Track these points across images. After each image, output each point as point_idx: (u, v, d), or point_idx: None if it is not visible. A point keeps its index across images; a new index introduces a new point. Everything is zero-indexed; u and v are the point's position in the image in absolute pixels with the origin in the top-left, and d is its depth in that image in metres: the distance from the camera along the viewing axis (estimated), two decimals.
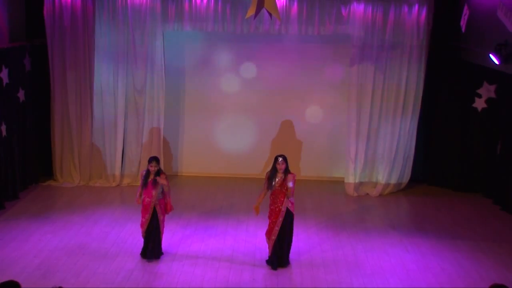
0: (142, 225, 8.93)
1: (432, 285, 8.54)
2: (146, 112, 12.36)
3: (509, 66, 10.02)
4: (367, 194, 12.55)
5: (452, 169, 12.89)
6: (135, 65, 12.15)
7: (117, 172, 12.51)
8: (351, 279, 8.62)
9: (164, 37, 12.17)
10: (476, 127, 12.55)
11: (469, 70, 12.20)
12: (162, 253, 9.05)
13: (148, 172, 8.82)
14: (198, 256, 9.20)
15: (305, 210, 11.30)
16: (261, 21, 11.65)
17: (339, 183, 12.81)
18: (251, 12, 8.68)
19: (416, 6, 11.76)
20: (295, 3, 11.75)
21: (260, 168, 12.86)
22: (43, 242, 9.44)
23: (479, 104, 12.41)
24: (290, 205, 8.70)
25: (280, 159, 8.67)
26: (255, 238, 9.85)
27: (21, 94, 11.46)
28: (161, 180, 8.73)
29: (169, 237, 9.60)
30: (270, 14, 8.98)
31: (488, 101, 12.33)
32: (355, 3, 11.78)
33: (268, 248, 8.87)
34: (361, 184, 12.60)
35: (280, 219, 8.70)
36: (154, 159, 8.86)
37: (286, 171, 8.66)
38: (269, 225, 8.83)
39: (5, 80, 10.82)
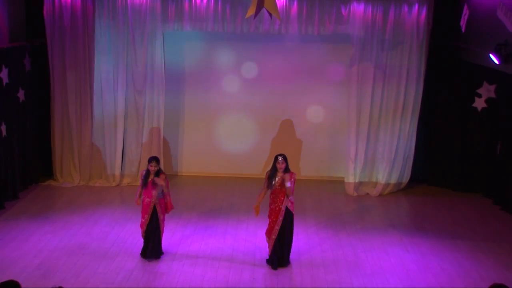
0: (141, 226, 8.94)
1: (432, 285, 8.54)
2: (146, 112, 12.37)
3: (509, 66, 10.03)
4: (367, 194, 12.55)
5: (452, 169, 12.88)
6: (135, 65, 12.16)
7: (117, 172, 12.52)
8: (351, 279, 8.62)
9: (164, 37, 12.17)
10: (476, 127, 12.54)
11: (469, 70, 12.20)
12: (162, 253, 9.05)
13: (148, 172, 8.81)
14: (198, 256, 9.20)
15: (305, 210, 11.30)
16: (261, 21, 11.66)
17: (339, 183, 12.81)
18: (251, 12, 8.67)
19: (416, 6, 11.76)
20: (295, 3, 11.75)
21: (260, 168, 12.86)
22: (43, 242, 9.44)
23: (479, 104, 12.41)
24: (290, 204, 8.70)
25: (280, 158, 8.67)
26: (255, 238, 9.85)
27: (21, 94, 11.46)
28: (159, 180, 8.72)
29: (169, 237, 9.60)
30: (270, 14, 8.97)
31: (488, 101, 12.32)
32: (355, 3, 11.77)
33: (268, 247, 8.87)
34: (361, 184, 12.60)
35: (280, 218, 8.70)
36: (154, 159, 8.85)
37: (286, 170, 8.67)
38: (269, 224, 8.83)
39: (5, 80, 10.82)
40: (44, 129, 12.40)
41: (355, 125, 12.27)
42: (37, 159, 12.27)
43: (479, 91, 12.35)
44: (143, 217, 8.87)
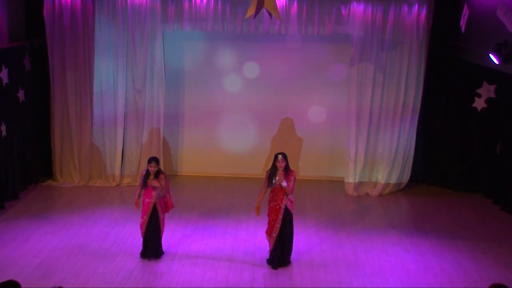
0: (141, 226, 8.93)
1: (432, 285, 8.54)
2: (146, 112, 12.36)
3: (509, 66, 10.02)
4: (367, 194, 12.55)
5: (452, 169, 12.88)
6: (135, 65, 12.15)
7: (117, 172, 12.51)
8: (351, 279, 8.62)
9: (164, 37, 12.17)
10: (476, 127, 12.54)
11: (469, 70, 12.19)
12: (163, 253, 9.05)
13: (147, 172, 8.81)
14: (198, 256, 9.20)
15: (305, 210, 11.30)
16: (261, 21, 11.65)
17: (339, 183, 12.81)
18: (251, 11, 8.68)
19: (416, 6, 11.76)
20: (295, 3, 11.74)
21: (260, 168, 12.85)
22: (43, 242, 9.44)
23: (479, 104, 12.41)
24: (289, 203, 8.70)
25: (280, 156, 8.67)
26: (255, 238, 9.85)
27: (21, 94, 11.46)
28: (155, 183, 8.70)
29: (169, 237, 9.60)
30: (270, 14, 8.97)
31: (488, 101, 12.32)
32: (355, 3, 11.77)
33: (269, 245, 8.87)
34: (361, 184, 12.60)
35: (280, 216, 8.70)
36: (153, 160, 8.85)
37: (286, 168, 8.67)
38: (269, 222, 8.83)
39: (5, 80, 10.82)
40: (44, 129, 12.40)
41: (355, 125, 12.27)
42: (37, 159, 12.27)
43: (479, 91, 12.35)
44: (142, 217, 8.87)
